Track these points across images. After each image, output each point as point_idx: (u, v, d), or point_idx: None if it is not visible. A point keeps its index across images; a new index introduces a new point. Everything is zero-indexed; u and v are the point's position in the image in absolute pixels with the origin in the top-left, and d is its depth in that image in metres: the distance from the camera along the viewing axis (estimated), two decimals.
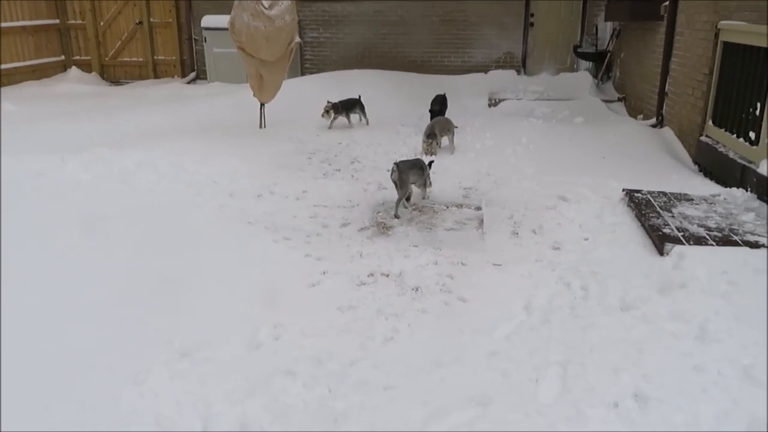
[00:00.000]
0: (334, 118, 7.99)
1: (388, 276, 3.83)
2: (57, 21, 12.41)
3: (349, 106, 8.12)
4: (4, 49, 10.97)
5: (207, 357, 2.94)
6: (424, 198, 5.27)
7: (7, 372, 2.72)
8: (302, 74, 11.43)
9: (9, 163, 5.14)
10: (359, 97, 8.24)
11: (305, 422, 2.54)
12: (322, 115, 7.89)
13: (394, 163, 5.00)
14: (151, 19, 12.24)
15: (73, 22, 12.51)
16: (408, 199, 5.10)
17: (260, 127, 7.83)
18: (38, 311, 3.20)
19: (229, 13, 7.40)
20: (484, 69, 11.17)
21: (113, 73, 12.68)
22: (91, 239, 4.00)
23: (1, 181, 4.64)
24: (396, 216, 4.92)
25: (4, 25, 10.93)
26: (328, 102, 7.93)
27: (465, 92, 9.97)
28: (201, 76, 12.12)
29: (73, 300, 3.31)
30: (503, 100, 9.59)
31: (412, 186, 5.13)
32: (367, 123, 8.25)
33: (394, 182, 4.98)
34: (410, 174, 5.03)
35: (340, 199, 5.27)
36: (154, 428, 2.49)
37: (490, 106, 9.56)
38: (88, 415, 2.54)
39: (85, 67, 12.57)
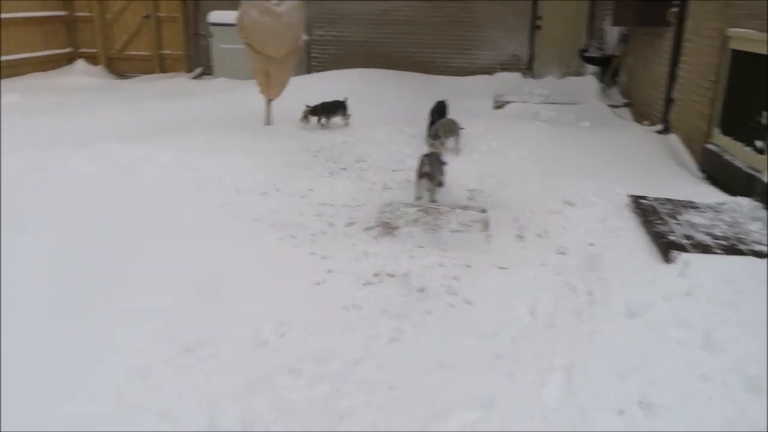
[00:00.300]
0: (326, 122, 7.81)
1: (393, 276, 3.82)
2: (64, 13, 12.41)
3: (332, 110, 7.84)
4: (12, 40, 10.95)
5: (211, 354, 2.95)
6: (433, 201, 5.25)
7: (12, 366, 2.72)
8: (309, 72, 11.42)
9: (13, 155, 5.15)
10: (345, 99, 7.95)
11: (309, 420, 2.54)
12: (301, 120, 7.68)
13: (425, 156, 5.24)
14: (158, 14, 12.24)
15: (80, 14, 12.51)
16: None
17: (265, 124, 7.82)
18: (43, 305, 3.20)
19: (235, 9, 7.39)
20: (490, 71, 11.13)
21: (119, 67, 12.68)
22: (95, 234, 4.00)
23: (1, 175, 4.64)
24: (434, 201, 5.22)
25: (11, 15, 10.92)
26: (307, 106, 7.72)
27: (470, 94, 9.94)
28: (207, 71, 12.10)
29: (77, 295, 3.31)
30: (509, 102, 9.55)
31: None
32: (347, 124, 7.88)
33: (425, 174, 5.13)
34: (436, 166, 5.21)
35: (345, 198, 5.26)
36: (158, 424, 2.49)
37: (495, 108, 9.53)
38: (92, 409, 2.54)
39: (92, 59, 12.55)
